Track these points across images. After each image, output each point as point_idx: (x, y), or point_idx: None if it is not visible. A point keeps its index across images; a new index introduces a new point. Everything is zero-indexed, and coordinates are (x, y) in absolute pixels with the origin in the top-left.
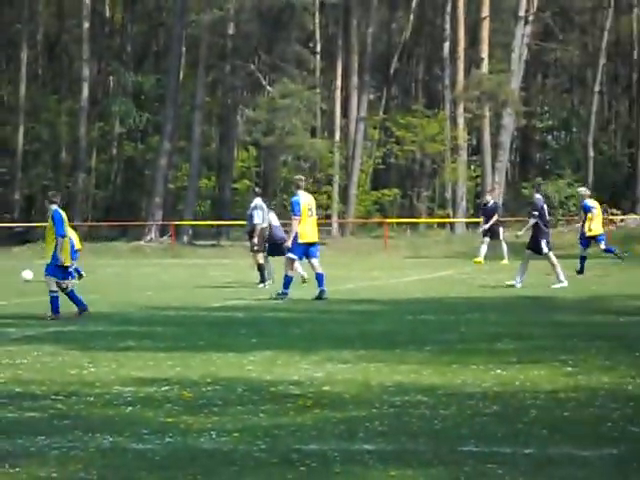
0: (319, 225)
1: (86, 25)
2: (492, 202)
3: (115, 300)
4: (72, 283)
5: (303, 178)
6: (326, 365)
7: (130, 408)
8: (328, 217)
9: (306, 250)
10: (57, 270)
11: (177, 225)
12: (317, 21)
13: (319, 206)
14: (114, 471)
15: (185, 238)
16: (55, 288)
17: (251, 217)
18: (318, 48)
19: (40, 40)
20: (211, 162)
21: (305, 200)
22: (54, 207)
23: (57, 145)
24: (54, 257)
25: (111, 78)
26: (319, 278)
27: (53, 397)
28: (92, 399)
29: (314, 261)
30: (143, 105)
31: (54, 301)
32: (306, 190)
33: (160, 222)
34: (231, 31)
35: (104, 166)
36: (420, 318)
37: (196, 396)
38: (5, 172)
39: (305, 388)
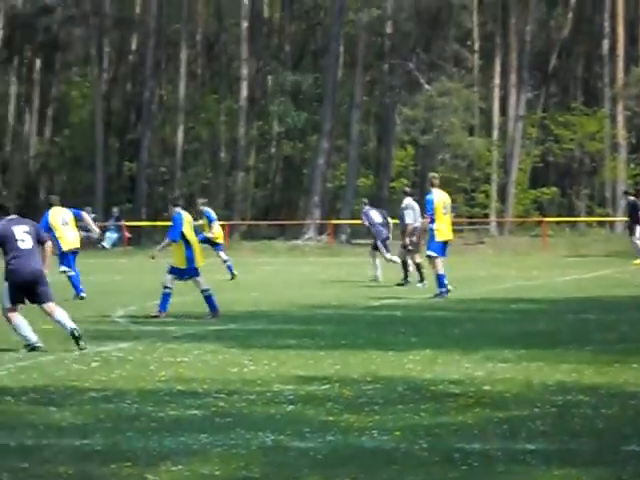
0: (477, 224)
1: (245, 25)
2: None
3: (274, 298)
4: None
5: (437, 175)
6: (486, 364)
7: (291, 406)
8: (486, 216)
9: (444, 247)
10: (178, 271)
11: (335, 224)
12: (475, 19)
13: (478, 205)
14: (276, 469)
15: (343, 237)
16: (171, 285)
17: (402, 217)
18: (476, 46)
19: (199, 40)
20: (369, 161)
21: (440, 198)
22: (177, 210)
23: (216, 144)
24: (188, 259)
25: (269, 77)
26: (440, 278)
27: (215, 395)
28: (253, 397)
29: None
30: (301, 104)
31: (164, 297)
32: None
33: (318, 221)
34: (389, 30)
35: (263, 165)
36: (580, 317)
37: (356, 394)
38: (165, 171)
39: (465, 387)
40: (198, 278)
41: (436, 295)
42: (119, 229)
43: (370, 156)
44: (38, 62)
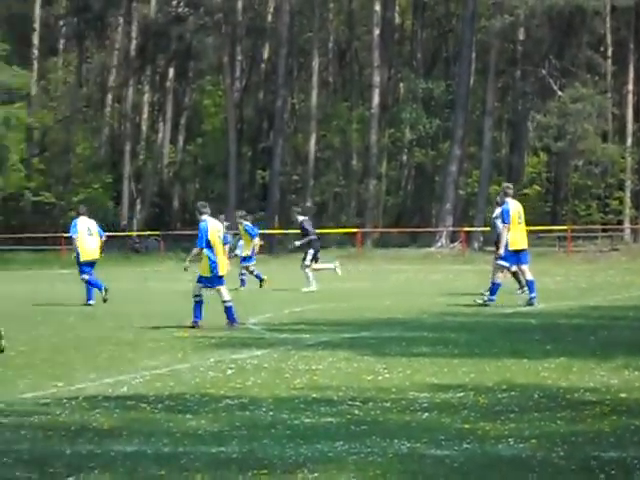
0: (611, 230)
1: (376, 32)
2: None
3: (407, 306)
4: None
5: (511, 186)
6: (622, 372)
7: (426, 414)
8: (620, 223)
9: (517, 257)
10: (205, 280)
11: (468, 231)
12: (608, 25)
13: (611, 212)
14: (412, 477)
15: (476, 244)
16: (199, 293)
17: (494, 225)
18: (609, 52)
19: (331, 48)
20: (501, 168)
21: (514, 208)
22: (203, 218)
23: (348, 152)
24: (212, 266)
25: (401, 84)
26: (530, 285)
27: (349, 402)
28: (388, 405)
29: (524, 267)
30: (433, 111)
31: (196, 307)
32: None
33: (450, 228)
34: (521, 36)
35: (395, 173)
36: None
37: (492, 402)
38: (297, 179)
39: (602, 395)
40: (220, 287)
41: (483, 302)
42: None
43: (502, 163)
44: (171, 71)
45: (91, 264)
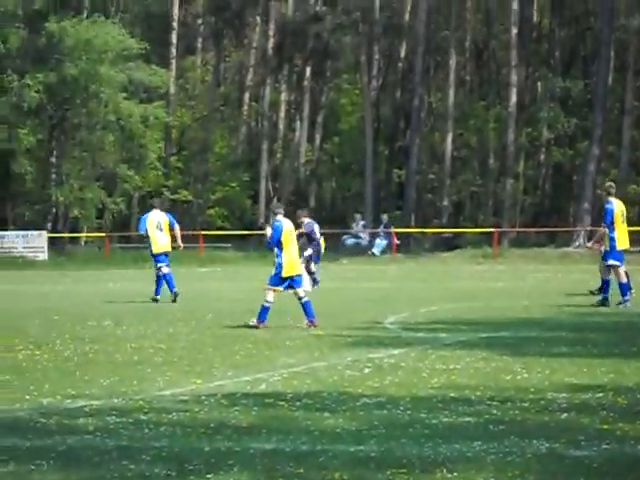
0: None
1: (514, 31)
2: None
3: (546, 306)
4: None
5: (614, 185)
6: None
7: (565, 414)
8: None
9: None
10: (279, 280)
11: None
12: None
13: None
14: (551, 477)
15: None
16: (271, 299)
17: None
18: None
19: (468, 46)
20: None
21: (619, 207)
22: (277, 218)
23: (485, 151)
24: (277, 267)
25: (539, 83)
26: (624, 287)
27: (488, 402)
28: (526, 405)
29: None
30: (571, 110)
31: (264, 311)
32: None
33: (589, 228)
34: None
35: (532, 172)
36: None
37: (631, 403)
38: (434, 178)
39: None
40: (295, 288)
41: (619, 303)
42: (388, 236)
43: None
44: (308, 70)
45: (165, 255)
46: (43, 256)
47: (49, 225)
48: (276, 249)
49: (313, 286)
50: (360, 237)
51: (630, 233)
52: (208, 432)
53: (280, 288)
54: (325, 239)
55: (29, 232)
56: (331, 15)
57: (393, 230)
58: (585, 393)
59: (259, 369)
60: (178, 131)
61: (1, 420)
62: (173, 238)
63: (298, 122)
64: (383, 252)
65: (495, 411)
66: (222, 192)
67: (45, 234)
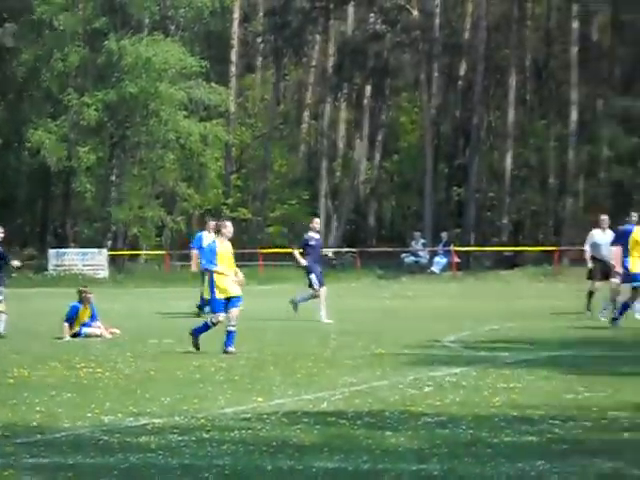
0: None
1: (575, 50)
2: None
3: (607, 324)
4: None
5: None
6: None
7: (627, 433)
8: None
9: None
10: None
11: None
12: None
13: None
14: None
15: None
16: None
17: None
18: None
19: (528, 65)
20: None
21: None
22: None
23: (545, 170)
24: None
25: (599, 102)
26: (624, 306)
27: (550, 421)
28: (589, 424)
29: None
30: (631, 128)
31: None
32: None
33: None
34: None
35: (593, 190)
36: None
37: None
38: (493, 197)
39: None
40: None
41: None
42: (448, 254)
43: None
44: (368, 88)
45: None
46: (103, 273)
47: (109, 243)
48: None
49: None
50: (419, 255)
51: None
52: (270, 450)
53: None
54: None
55: (89, 250)
56: (391, 33)
57: (453, 248)
58: None
59: (320, 388)
60: (238, 149)
61: (64, 438)
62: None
63: (357, 140)
64: (443, 270)
65: (557, 430)
66: (281, 210)
67: (105, 252)
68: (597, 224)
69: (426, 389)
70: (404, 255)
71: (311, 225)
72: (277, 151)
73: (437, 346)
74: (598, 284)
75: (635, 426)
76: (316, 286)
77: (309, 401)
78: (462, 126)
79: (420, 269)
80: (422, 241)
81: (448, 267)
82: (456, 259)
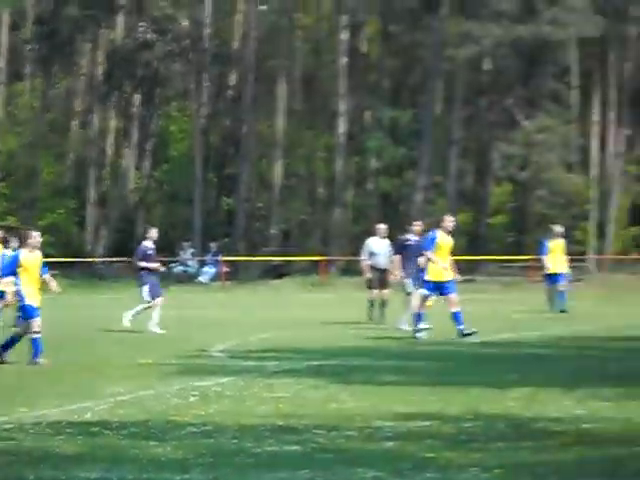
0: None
1: (343, 60)
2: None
3: (375, 334)
4: None
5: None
6: (587, 402)
7: (391, 443)
8: (584, 253)
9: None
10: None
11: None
12: (573, 55)
13: (576, 242)
14: None
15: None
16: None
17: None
18: (574, 82)
19: (297, 75)
20: (467, 197)
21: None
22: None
23: (314, 180)
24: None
25: (367, 113)
26: (456, 316)
27: (314, 431)
28: (353, 433)
29: (450, 297)
30: (399, 140)
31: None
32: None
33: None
34: (487, 66)
35: (360, 201)
36: None
37: (457, 432)
38: (262, 207)
39: (566, 425)
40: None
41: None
42: (217, 264)
43: (468, 192)
44: (137, 97)
45: None
46: None
47: None
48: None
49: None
50: (188, 265)
51: (458, 262)
52: (33, 461)
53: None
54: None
55: None
56: (161, 42)
57: (221, 258)
58: (411, 421)
59: (85, 397)
60: (5, 157)
61: None
62: None
63: (127, 149)
64: (212, 280)
65: (321, 439)
66: (49, 218)
67: None
68: (374, 233)
69: (191, 399)
70: (173, 265)
71: (147, 235)
72: (45, 159)
73: (204, 356)
74: (377, 293)
75: (398, 435)
76: (148, 298)
77: (73, 411)
78: (232, 135)
79: (189, 278)
80: (191, 250)
81: (217, 277)
82: (225, 269)
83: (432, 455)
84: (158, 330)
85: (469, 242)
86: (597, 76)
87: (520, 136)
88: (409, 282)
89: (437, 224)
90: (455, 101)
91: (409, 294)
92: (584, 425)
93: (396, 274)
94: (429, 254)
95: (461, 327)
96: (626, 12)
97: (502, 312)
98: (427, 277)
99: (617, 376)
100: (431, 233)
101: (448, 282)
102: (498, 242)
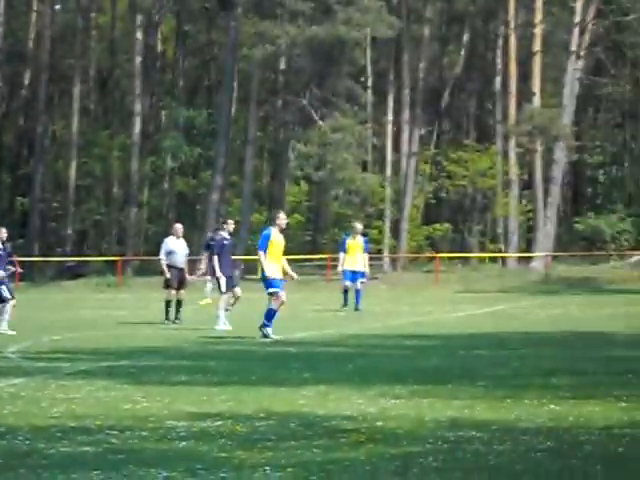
0: (370, 259)
1: (138, 60)
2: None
3: (169, 335)
4: None
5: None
6: (379, 400)
7: (184, 443)
8: (379, 252)
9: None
10: None
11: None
12: (368, 56)
13: (371, 241)
14: None
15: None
16: None
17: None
18: (369, 83)
19: (92, 75)
20: (263, 197)
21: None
22: None
23: (109, 180)
24: None
25: (163, 112)
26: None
27: (107, 432)
28: (146, 434)
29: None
30: (195, 140)
31: None
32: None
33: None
34: (283, 66)
35: (156, 201)
36: (473, 353)
37: (249, 431)
38: (58, 207)
39: (358, 423)
40: None
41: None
42: (10, 264)
43: (264, 192)
44: None
45: None
46: None
47: None
48: None
49: None
50: None
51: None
52: None
53: None
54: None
55: None
56: None
57: (16, 259)
58: (204, 421)
59: None
60: None
61: None
62: None
63: None
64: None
65: (114, 440)
66: None
67: None
68: (170, 232)
69: None
70: None
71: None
72: None
73: None
74: (174, 293)
75: (191, 435)
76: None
77: None
78: (26, 135)
79: None
80: None
81: (12, 278)
82: (19, 269)
83: (225, 455)
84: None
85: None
86: (391, 76)
87: (316, 136)
88: (223, 281)
89: (271, 222)
90: (251, 101)
91: (224, 293)
92: (376, 423)
93: (199, 274)
94: (261, 253)
95: (269, 327)
96: (420, 13)
97: (298, 310)
98: (264, 274)
99: (409, 374)
100: (265, 231)
101: (281, 280)
102: (294, 241)
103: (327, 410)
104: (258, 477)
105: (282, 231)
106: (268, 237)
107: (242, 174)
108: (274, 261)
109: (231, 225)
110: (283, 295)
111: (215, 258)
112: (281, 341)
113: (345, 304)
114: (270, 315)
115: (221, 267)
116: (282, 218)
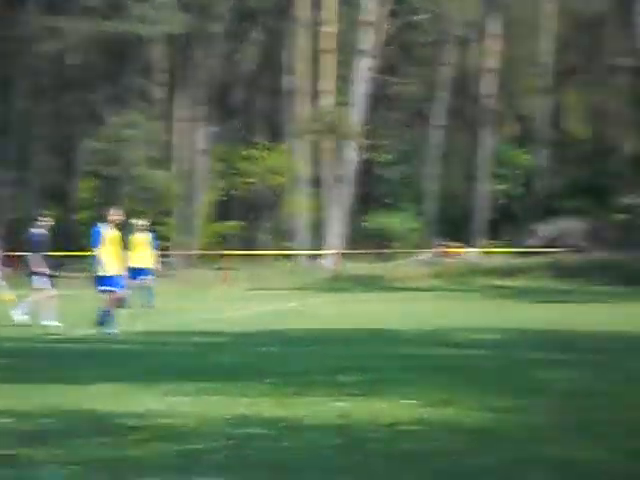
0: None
1: None
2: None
3: None
4: None
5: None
6: (167, 397)
7: None
8: (168, 249)
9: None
10: None
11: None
12: (160, 51)
13: (161, 237)
14: None
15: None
16: None
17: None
18: (160, 79)
19: None
20: (53, 193)
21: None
22: None
23: None
24: None
25: None
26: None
27: None
28: None
29: None
30: None
31: None
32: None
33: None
34: (73, 61)
35: None
36: (262, 350)
37: (35, 428)
38: None
39: (145, 420)
40: None
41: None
42: None
43: (54, 188)
44: None
45: None
46: None
47: None
48: None
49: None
50: None
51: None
52: None
53: None
54: None
55: None
56: None
57: None
58: None
59: None
60: None
61: None
62: None
63: None
64: None
65: None
66: None
67: None
68: None
69: None
70: None
71: None
72: None
73: None
74: None
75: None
76: None
77: None
78: None
79: None
80: None
81: None
82: None
83: (11, 452)
84: None
85: (56, 238)
86: (183, 73)
87: (106, 132)
88: (39, 277)
89: (103, 218)
90: (40, 96)
91: (37, 290)
92: (163, 420)
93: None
94: (96, 249)
95: (107, 326)
96: (209, 9)
97: (88, 308)
98: (98, 273)
99: (198, 371)
100: (95, 227)
101: (117, 277)
102: (85, 238)
103: (115, 408)
104: (44, 475)
105: (116, 226)
106: (99, 233)
107: (31, 170)
108: (110, 257)
109: (47, 221)
110: (119, 293)
111: (32, 254)
112: (70, 338)
113: (137, 302)
114: (104, 315)
115: (37, 263)
116: (114, 214)
